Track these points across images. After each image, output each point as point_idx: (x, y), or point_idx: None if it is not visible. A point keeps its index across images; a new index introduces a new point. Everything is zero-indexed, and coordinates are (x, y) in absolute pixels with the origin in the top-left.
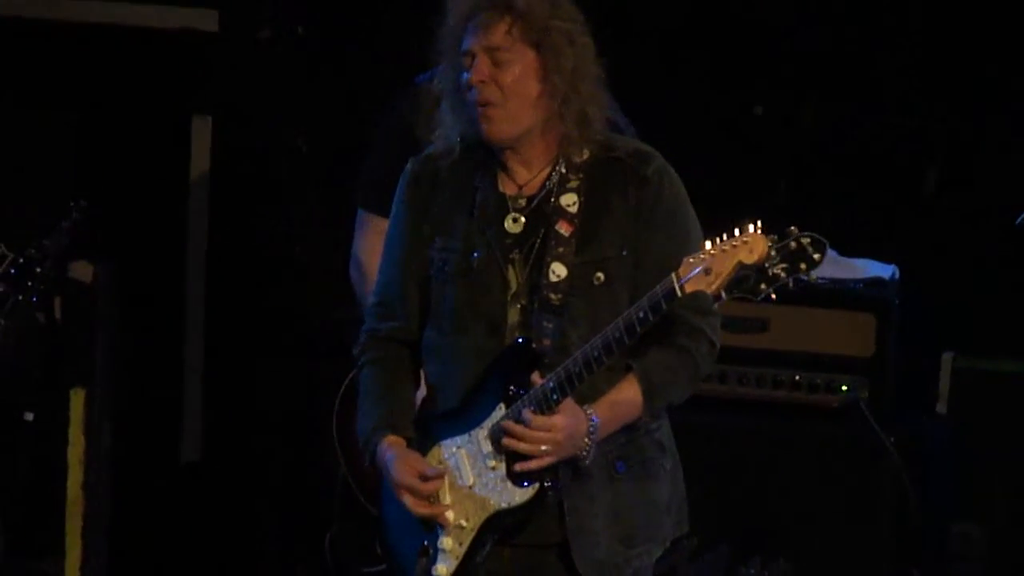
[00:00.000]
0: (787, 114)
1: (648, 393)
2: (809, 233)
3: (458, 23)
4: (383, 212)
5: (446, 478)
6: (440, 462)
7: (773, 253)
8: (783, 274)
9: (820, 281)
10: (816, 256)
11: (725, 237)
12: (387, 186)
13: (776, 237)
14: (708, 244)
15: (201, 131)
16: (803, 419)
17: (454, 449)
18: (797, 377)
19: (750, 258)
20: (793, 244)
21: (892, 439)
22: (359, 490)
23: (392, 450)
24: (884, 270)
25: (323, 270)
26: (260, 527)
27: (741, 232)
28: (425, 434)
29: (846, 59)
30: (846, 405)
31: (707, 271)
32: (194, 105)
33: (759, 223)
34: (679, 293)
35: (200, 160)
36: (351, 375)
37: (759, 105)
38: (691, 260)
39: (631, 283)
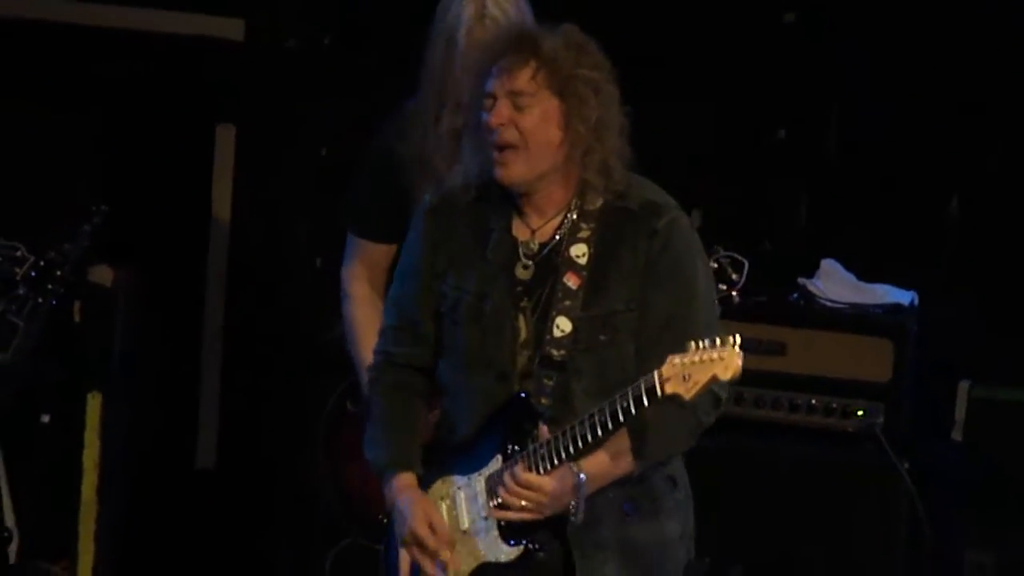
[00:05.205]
0: (810, 138)
1: (638, 451)
2: (729, 254)
3: (484, 64)
4: (367, 235)
5: (446, 517)
6: (443, 497)
7: None
8: None
9: (839, 305)
10: (734, 276)
11: (706, 344)
12: (370, 209)
13: None
14: (693, 345)
15: (224, 139)
16: (818, 443)
17: (455, 488)
18: (813, 401)
19: (724, 374)
20: (713, 265)
21: (907, 465)
22: (347, 515)
23: (407, 494)
24: (903, 296)
25: None
26: (273, 534)
27: (722, 343)
28: (434, 462)
29: (870, 83)
30: (861, 430)
31: (685, 377)
32: (218, 113)
33: (738, 337)
34: (659, 394)
35: (223, 168)
36: (330, 403)
37: (782, 128)
38: (676, 362)
39: (637, 337)
